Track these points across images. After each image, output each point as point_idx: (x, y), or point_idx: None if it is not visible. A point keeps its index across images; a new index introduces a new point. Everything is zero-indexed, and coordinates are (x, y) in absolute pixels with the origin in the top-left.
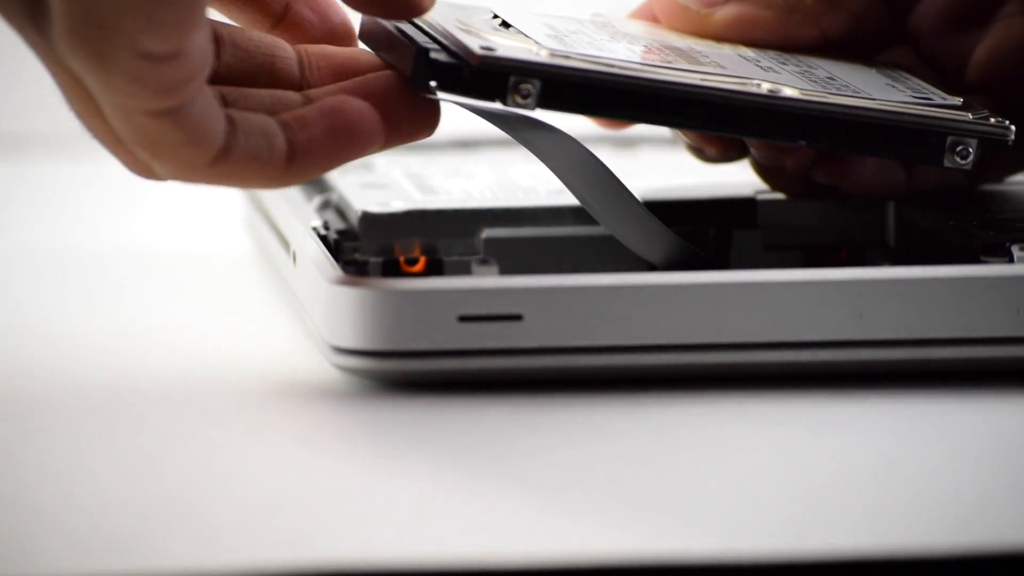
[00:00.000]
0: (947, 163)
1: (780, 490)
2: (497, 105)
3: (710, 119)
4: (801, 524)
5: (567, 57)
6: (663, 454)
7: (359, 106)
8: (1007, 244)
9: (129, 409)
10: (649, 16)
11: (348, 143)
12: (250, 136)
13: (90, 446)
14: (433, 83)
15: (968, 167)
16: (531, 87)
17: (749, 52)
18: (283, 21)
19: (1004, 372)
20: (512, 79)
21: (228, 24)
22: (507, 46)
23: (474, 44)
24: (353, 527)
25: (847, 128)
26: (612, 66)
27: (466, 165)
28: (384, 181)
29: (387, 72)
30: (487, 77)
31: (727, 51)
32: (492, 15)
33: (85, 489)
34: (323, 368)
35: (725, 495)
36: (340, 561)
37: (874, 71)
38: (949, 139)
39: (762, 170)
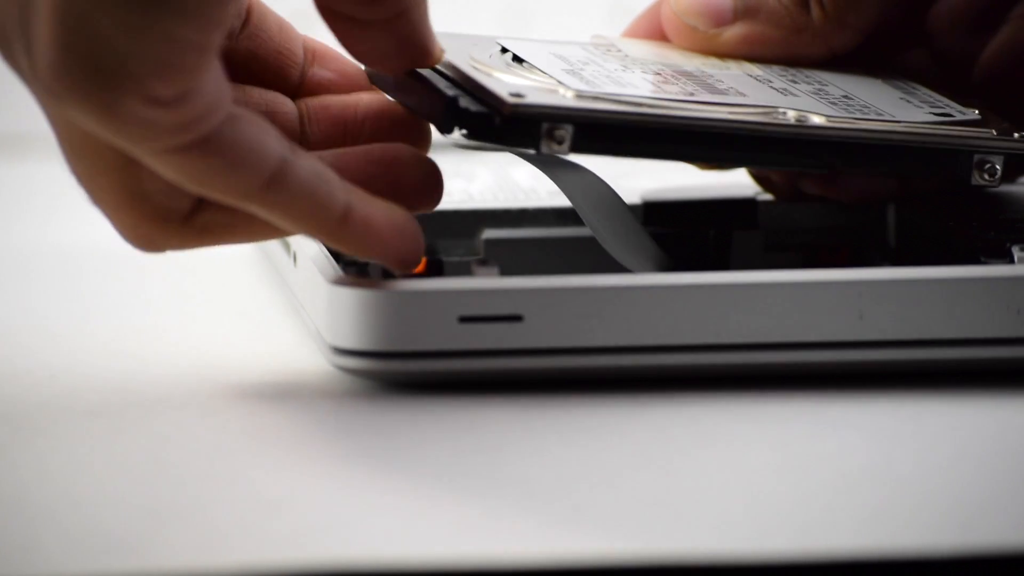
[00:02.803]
0: (974, 181)
1: (780, 490)
2: (531, 151)
3: (740, 153)
4: (801, 524)
5: (596, 98)
6: (663, 454)
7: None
8: (1007, 244)
9: (129, 409)
10: (645, 33)
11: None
12: (311, 172)
13: (90, 446)
14: (463, 131)
15: (995, 184)
16: (564, 132)
17: (756, 70)
18: (303, 89)
19: (1004, 372)
20: (545, 126)
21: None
22: (535, 91)
23: (503, 91)
24: (353, 527)
25: (876, 153)
26: (641, 105)
27: (466, 166)
28: None
29: (397, 145)
30: (519, 124)
31: (735, 71)
32: (500, 49)
33: (85, 489)
34: (323, 368)
35: (725, 495)
36: (340, 561)
37: (881, 82)
38: (976, 157)
39: (754, 177)
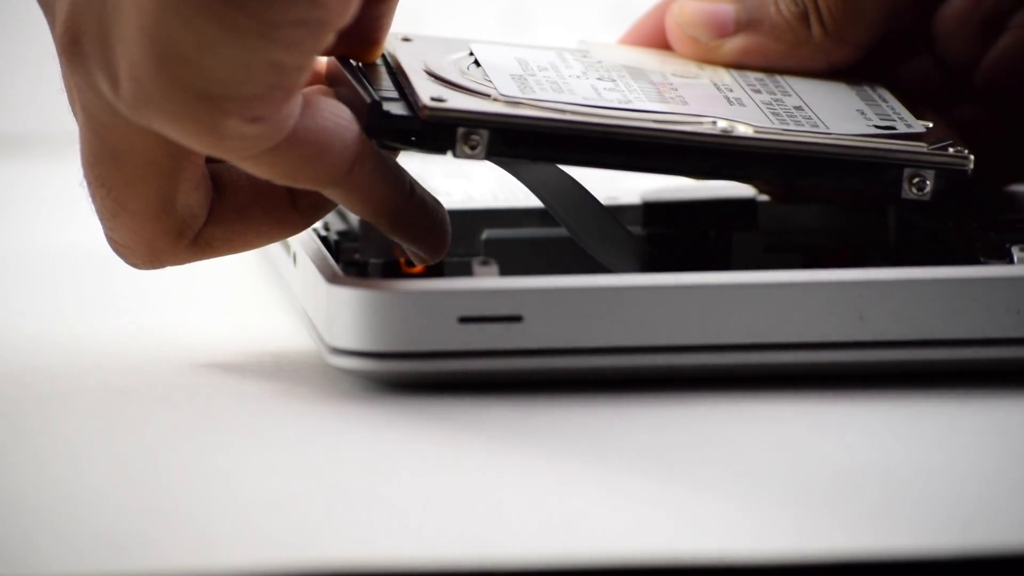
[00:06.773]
0: (905, 195)
1: (780, 490)
2: (448, 156)
3: (662, 161)
4: (801, 524)
5: (518, 103)
6: (663, 454)
7: None
8: (1007, 245)
9: (128, 409)
10: (645, 37)
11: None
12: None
13: (89, 446)
14: (385, 135)
15: (927, 198)
16: (479, 137)
17: (727, 78)
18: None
19: (1004, 373)
20: (460, 130)
21: None
22: (459, 96)
23: (424, 95)
24: (353, 527)
25: (801, 164)
26: (563, 112)
27: (466, 165)
28: None
29: None
30: (435, 128)
31: (703, 80)
32: (468, 52)
33: (84, 489)
34: (323, 368)
35: (725, 495)
36: (340, 561)
37: (853, 92)
38: (906, 171)
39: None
